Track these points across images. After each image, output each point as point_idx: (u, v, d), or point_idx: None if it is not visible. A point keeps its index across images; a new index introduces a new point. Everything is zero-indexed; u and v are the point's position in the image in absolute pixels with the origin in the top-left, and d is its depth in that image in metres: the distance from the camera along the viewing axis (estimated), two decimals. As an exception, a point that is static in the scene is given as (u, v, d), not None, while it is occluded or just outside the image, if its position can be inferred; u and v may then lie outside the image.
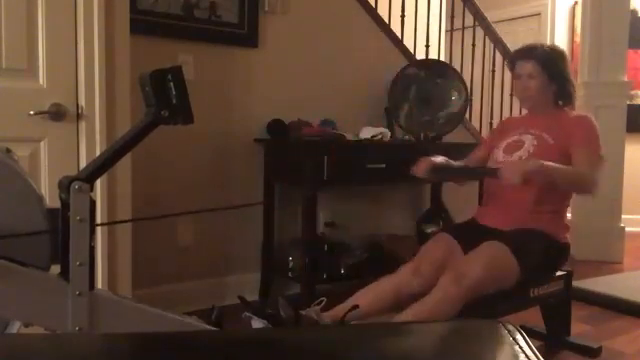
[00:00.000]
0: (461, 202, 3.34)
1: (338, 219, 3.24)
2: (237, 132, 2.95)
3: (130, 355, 0.62)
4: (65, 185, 1.04)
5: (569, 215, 2.48)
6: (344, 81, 3.33)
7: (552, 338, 2.40)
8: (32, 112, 1.88)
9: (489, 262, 1.98)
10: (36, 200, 1.08)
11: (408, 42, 3.61)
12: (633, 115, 4.75)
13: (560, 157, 2.19)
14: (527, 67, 2.29)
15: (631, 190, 4.72)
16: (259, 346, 0.63)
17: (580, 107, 4.26)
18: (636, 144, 5.08)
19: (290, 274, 2.96)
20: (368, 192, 3.46)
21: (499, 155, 2.33)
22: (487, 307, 2.01)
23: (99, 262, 1.96)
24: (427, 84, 3.39)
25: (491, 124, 4.23)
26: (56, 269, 1.07)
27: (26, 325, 1.08)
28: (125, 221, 2.06)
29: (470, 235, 2.17)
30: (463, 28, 3.94)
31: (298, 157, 2.82)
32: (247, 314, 1.75)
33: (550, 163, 2.04)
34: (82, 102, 1.97)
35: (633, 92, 5.17)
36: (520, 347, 0.59)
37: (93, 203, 1.06)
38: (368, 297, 2.01)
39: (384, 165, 2.89)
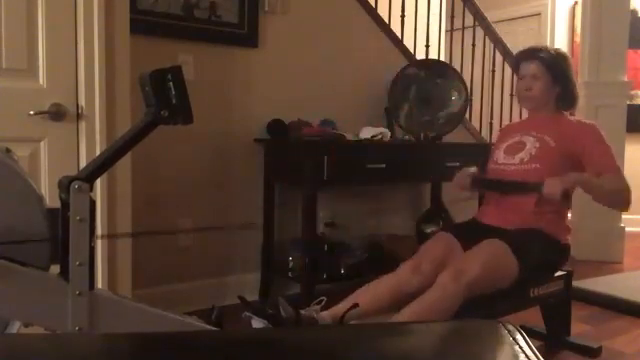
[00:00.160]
0: (461, 202, 3.34)
1: (338, 219, 3.24)
2: (237, 132, 2.95)
3: (130, 355, 0.62)
4: (65, 185, 1.04)
5: (569, 215, 2.48)
6: (344, 81, 3.33)
7: (552, 338, 2.40)
8: (32, 112, 1.88)
9: (488, 260, 1.98)
10: (36, 200, 1.08)
11: (408, 42, 3.61)
12: (633, 115, 4.75)
13: (561, 159, 2.20)
14: (531, 67, 2.29)
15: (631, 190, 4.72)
16: (259, 346, 0.63)
17: (580, 107, 4.25)
18: (636, 144, 5.07)
19: (290, 274, 2.96)
20: (368, 192, 3.46)
21: (500, 156, 2.33)
22: (487, 307, 2.01)
23: (99, 262, 1.96)
24: (427, 84, 3.39)
25: (491, 124, 4.23)
26: (56, 269, 1.07)
27: (26, 325, 1.08)
28: (125, 235, 2.06)
29: (471, 234, 2.17)
30: (463, 28, 3.94)
31: (298, 157, 2.82)
32: (247, 314, 1.75)
33: (586, 175, 2.11)
34: (82, 102, 1.97)
35: (633, 92, 5.17)
36: (520, 347, 0.59)
37: (93, 203, 1.06)
38: (368, 296, 2.01)
39: (384, 165, 2.89)
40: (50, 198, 1.18)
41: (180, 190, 2.80)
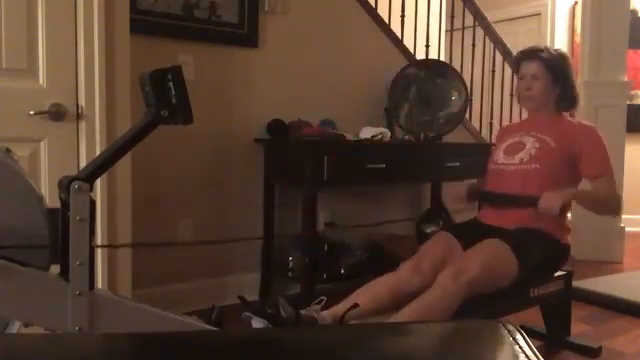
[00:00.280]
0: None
1: (338, 219, 3.24)
2: (237, 132, 2.95)
3: (130, 355, 0.62)
4: (65, 185, 1.04)
5: (569, 215, 2.48)
6: (344, 81, 3.33)
7: (552, 338, 2.40)
8: (32, 112, 1.88)
9: (488, 259, 1.98)
10: (36, 200, 1.08)
11: (408, 42, 3.61)
12: (633, 115, 4.75)
13: (561, 159, 2.20)
14: (532, 67, 2.29)
15: (631, 190, 4.72)
16: (259, 346, 0.63)
17: (580, 107, 4.25)
18: (636, 144, 5.07)
19: (290, 274, 2.96)
20: (368, 192, 3.46)
21: (499, 156, 2.33)
22: (487, 307, 2.01)
23: (99, 262, 1.96)
24: (427, 84, 3.39)
25: (491, 124, 4.23)
26: (56, 269, 1.07)
27: (26, 325, 1.08)
28: (124, 245, 2.07)
29: (471, 234, 2.17)
30: (463, 28, 3.94)
31: (298, 157, 2.82)
32: (247, 314, 1.75)
33: (581, 190, 2.19)
34: (82, 102, 1.97)
35: (633, 92, 5.17)
36: (520, 347, 0.59)
37: (93, 203, 1.06)
38: (368, 295, 2.01)
39: (384, 165, 2.89)
40: (50, 198, 1.18)
41: (180, 190, 2.80)
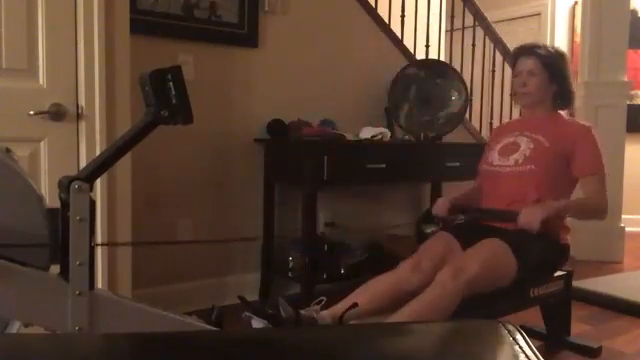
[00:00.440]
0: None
1: (338, 219, 3.24)
2: (237, 132, 2.95)
3: (130, 355, 0.62)
4: (65, 185, 1.04)
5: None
6: (344, 81, 3.33)
7: (552, 338, 2.40)
8: (32, 112, 1.88)
9: (488, 259, 1.98)
10: (36, 200, 1.08)
11: (408, 42, 3.61)
12: (633, 115, 4.75)
13: (556, 159, 2.19)
14: (528, 63, 2.28)
15: (631, 190, 4.72)
16: (259, 346, 0.63)
17: (580, 107, 4.27)
18: (636, 144, 5.08)
19: (290, 274, 2.96)
20: (368, 192, 3.46)
21: (494, 158, 2.32)
22: (487, 307, 2.01)
23: (99, 262, 1.96)
24: (427, 84, 3.39)
25: (491, 124, 4.23)
26: (56, 269, 1.07)
27: (26, 325, 1.08)
28: (124, 244, 2.06)
29: (471, 233, 2.17)
30: (463, 28, 3.94)
31: (298, 157, 2.82)
32: (247, 314, 1.75)
33: (563, 202, 2.15)
34: (82, 102, 1.97)
35: (633, 92, 5.17)
36: (520, 347, 0.59)
37: (93, 203, 1.06)
38: (367, 295, 2.01)
39: (384, 165, 2.89)
40: (50, 198, 1.18)
41: (180, 190, 2.80)
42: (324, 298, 1.92)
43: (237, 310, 1.72)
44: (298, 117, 3.00)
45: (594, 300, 3.02)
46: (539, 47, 2.31)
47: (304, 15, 3.15)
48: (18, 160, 1.16)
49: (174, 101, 1.10)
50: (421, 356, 0.64)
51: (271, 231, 3.01)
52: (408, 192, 3.68)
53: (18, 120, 1.87)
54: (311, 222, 2.76)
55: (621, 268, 3.97)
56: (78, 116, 1.97)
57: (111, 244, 2.01)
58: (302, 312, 1.81)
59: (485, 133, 4.18)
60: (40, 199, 1.09)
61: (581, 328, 2.63)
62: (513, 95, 2.44)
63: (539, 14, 5.94)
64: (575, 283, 2.45)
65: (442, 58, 3.97)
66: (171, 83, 1.10)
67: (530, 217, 2.03)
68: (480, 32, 4.04)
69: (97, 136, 1.99)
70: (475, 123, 4.08)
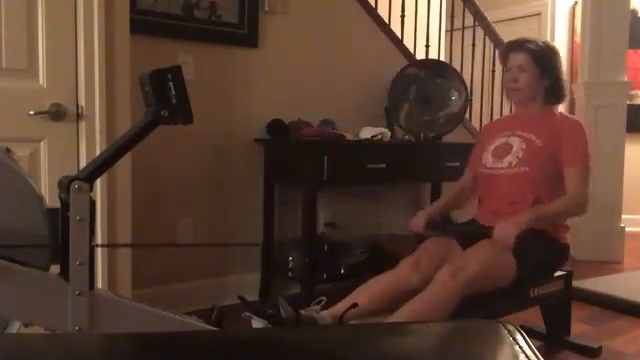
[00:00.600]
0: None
1: (338, 219, 3.24)
2: (237, 132, 2.95)
3: (130, 355, 0.62)
4: (65, 185, 1.04)
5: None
6: (344, 81, 3.33)
7: (552, 338, 2.40)
8: (32, 112, 1.88)
9: (487, 258, 1.98)
10: (36, 200, 1.08)
11: (408, 42, 3.61)
12: (633, 115, 4.75)
13: (549, 159, 2.17)
14: (519, 58, 2.25)
15: (631, 190, 4.72)
16: (259, 346, 0.63)
17: (580, 107, 4.28)
18: (636, 144, 5.08)
19: (290, 274, 2.96)
20: (368, 192, 3.46)
21: (488, 160, 2.30)
22: (487, 307, 2.01)
23: (99, 262, 1.96)
24: (427, 84, 3.39)
25: (491, 124, 4.22)
26: (56, 269, 1.07)
27: (26, 325, 1.08)
28: (125, 245, 2.06)
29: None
30: (463, 28, 3.94)
31: (298, 157, 2.82)
32: (247, 314, 1.75)
33: (538, 210, 2.09)
34: (82, 102, 1.97)
35: (633, 92, 5.17)
36: (520, 347, 0.59)
37: (93, 203, 1.06)
38: (367, 294, 2.01)
39: (384, 165, 2.89)
40: (50, 198, 1.18)
41: (180, 190, 2.80)
42: (324, 298, 1.92)
43: (237, 310, 1.72)
44: (298, 117, 3.00)
45: (594, 300, 3.02)
46: (529, 42, 2.28)
47: (304, 15, 3.15)
48: (18, 160, 1.16)
49: (174, 101, 1.10)
50: (421, 356, 0.64)
51: (271, 231, 3.01)
52: (408, 192, 3.68)
53: (18, 120, 1.87)
54: (311, 222, 2.76)
55: (621, 268, 3.97)
56: (78, 116, 1.97)
57: (111, 245, 2.01)
58: (302, 312, 1.82)
59: (485, 133, 4.18)
60: (40, 199, 1.09)
61: (581, 328, 2.63)
62: (506, 93, 2.40)
63: (539, 14, 5.93)
64: (575, 283, 2.45)
65: (442, 58, 3.97)
66: (171, 83, 1.10)
67: (504, 231, 1.99)
68: (480, 32, 4.04)
69: (97, 136, 1.99)
70: (475, 123, 4.08)
